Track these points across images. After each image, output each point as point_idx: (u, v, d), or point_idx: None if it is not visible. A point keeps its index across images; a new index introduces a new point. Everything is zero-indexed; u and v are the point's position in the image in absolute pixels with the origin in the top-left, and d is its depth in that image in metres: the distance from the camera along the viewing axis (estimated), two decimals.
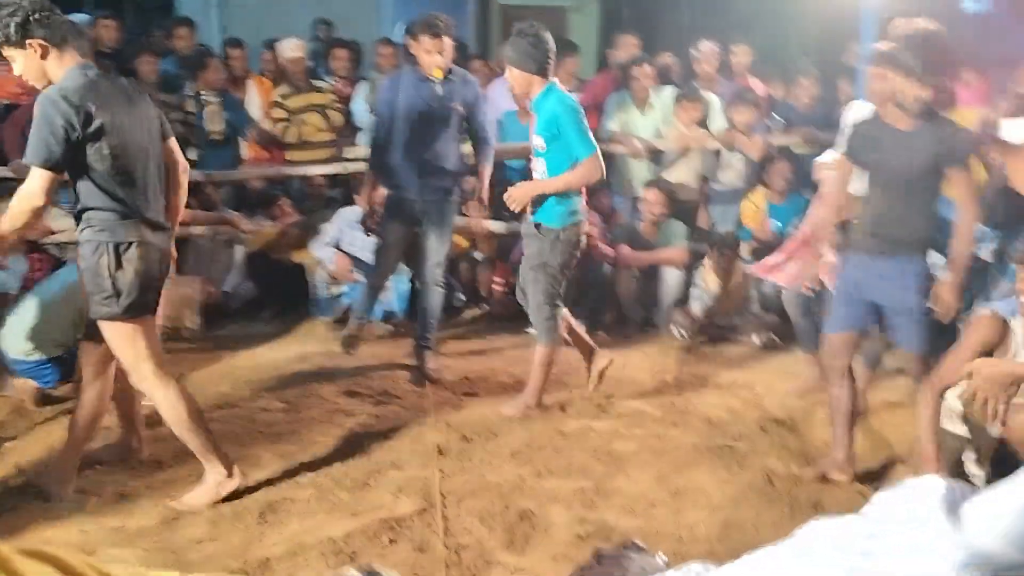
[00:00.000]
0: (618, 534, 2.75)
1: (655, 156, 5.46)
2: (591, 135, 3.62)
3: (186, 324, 4.97)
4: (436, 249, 4.27)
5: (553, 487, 3.13)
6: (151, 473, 3.27)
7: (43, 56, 2.73)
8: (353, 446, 3.52)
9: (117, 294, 2.80)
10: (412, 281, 5.13)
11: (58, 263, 5.19)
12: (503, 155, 5.54)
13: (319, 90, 5.72)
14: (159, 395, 2.93)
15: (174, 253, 3.16)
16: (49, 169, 2.69)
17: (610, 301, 5.17)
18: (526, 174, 4.94)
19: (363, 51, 6.45)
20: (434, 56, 4.02)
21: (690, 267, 5.13)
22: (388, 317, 5.16)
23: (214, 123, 5.49)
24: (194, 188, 5.50)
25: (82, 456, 3.15)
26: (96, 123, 2.70)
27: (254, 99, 5.90)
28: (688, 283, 5.11)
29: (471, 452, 3.44)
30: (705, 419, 3.80)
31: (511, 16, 8.60)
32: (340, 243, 5.17)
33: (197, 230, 5.29)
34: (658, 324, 5.15)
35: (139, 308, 2.85)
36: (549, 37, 3.56)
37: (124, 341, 2.88)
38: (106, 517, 2.93)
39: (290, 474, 3.26)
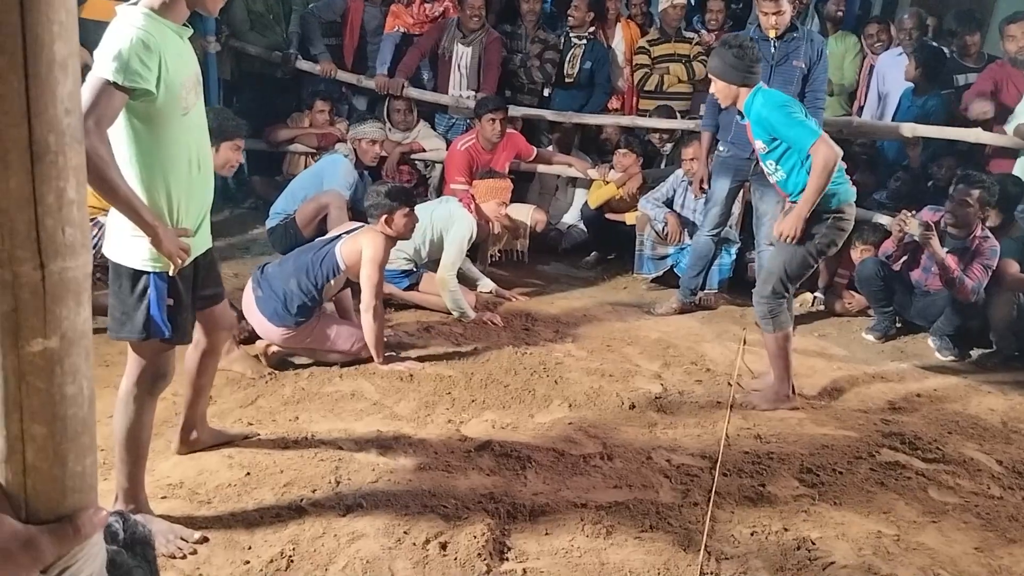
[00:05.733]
0: None
1: None
2: (809, 121, 3.39)
3: (518, 247, 5.25)
4: (772, 212, 4.19)
5: (845, 521, 2.76)
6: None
7: None
8: (641, 414, 3.43)
9: None
10: (738, 254, 4.89)
11: (422, 179, 5.69)
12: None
13: (687, 40, 5.52)
14: None
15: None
16: None
17: (981, 324, 4.42)
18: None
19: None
20: (769, 18, 4.29)
21: None
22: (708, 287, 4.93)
23: (572, 66, 5.57)
24: (553, 127, 5.72)
25: None
26: None
27: (619, 44, 5.83)
28: None
29: (760, 453, 3.16)
30: None
31: None
32: (673, 203, 5.01)
33: (544, 168, 5.45)
34: None
35: None
36: (753, 47, 3.46)
37: None
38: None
39: (575, 425, 3.27)
